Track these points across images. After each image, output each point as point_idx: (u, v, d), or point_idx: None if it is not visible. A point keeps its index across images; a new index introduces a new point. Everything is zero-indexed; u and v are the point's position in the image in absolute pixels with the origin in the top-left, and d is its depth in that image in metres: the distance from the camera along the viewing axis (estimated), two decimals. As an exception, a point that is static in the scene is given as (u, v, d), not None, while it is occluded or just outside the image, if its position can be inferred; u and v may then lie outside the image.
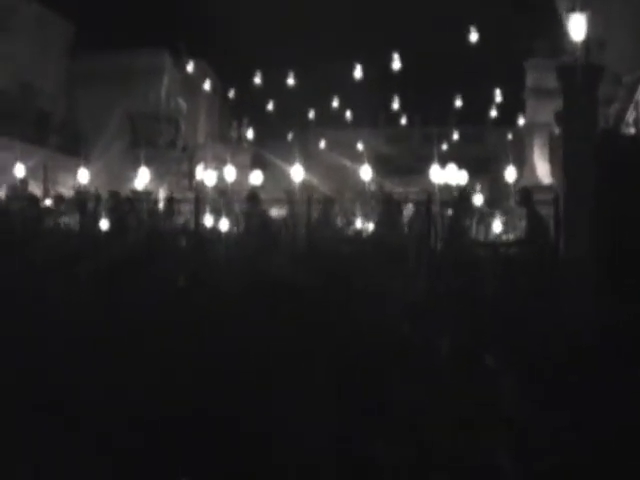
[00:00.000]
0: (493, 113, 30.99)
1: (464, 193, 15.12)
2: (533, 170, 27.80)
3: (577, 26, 13.46)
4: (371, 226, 14.69)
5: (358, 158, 26.31)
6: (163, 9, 29.98)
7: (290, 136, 32.29)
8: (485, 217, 14.57)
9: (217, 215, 14.40)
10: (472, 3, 27.60)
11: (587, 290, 10.87)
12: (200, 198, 15.50)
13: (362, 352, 7.69)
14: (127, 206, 14.98)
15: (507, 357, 7.78)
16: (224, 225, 14.05)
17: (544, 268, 11.97)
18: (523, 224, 14.55)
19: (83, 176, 18.26)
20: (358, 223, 14.51)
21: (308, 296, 9.03)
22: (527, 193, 14.13)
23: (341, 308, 8.77)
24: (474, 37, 25.56)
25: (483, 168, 26.46)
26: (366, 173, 17.78)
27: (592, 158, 13.89)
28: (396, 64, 26.47)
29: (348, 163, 29.31)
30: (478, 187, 18.71)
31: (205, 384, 7.50)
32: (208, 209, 14.64)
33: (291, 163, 16.46)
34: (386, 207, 14.06)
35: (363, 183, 18.08)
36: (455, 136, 31.36)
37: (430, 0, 28.44)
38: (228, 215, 14.39)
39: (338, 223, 14.65)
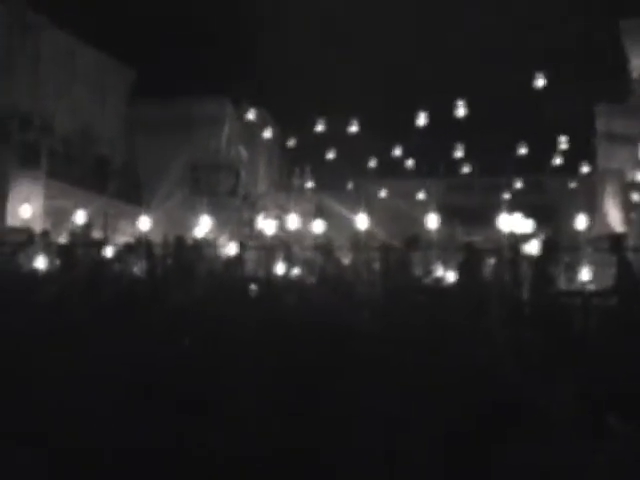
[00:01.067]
0: (557, 160, 30.26)
1: (550, 242, 14.51)
2: (605, 218, 26.94)
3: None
4: (450, 275, 14.18)
5: (419, 207, 25.83)
6: (223, 57, 29.90)
7: (350, 184, 31.88)
8: (571, 266, 13.99)
9: (288, 263, 13.98)
10: (538, 49, 27.17)
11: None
12: (271, 246, 15.13)
13: (467, 410, 6.97)
14: (194, 253, 14.55)
15: (625, 414, 7.01)
16: (296, 273, 13.64)
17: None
18: (606, 271, 13.90)
19: (144, 223, 17.94)
20: (438, 271, 14.01)
21: (396, 349, 8.36)
22: (618, 240, 13.47)
23: (432, 362, 8.07)
24: (540, 83, 25.03)
25: (545, 216, 25.84)
26: (432, 222, 17.39)
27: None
28: (460, 111, 25.88)
29: (409, 211, 28.81)
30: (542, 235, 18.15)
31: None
32: (281, 257, 14.22)
33: (351, 211, 16.12)
34: (468, 256, 13.46)
35: (428, 232, 17.63)
36: (517, 184, 30.69)
37: (496, 46, 28.03)
38: (299, 263, 14.02)
39: (416, 272, 14.08)
